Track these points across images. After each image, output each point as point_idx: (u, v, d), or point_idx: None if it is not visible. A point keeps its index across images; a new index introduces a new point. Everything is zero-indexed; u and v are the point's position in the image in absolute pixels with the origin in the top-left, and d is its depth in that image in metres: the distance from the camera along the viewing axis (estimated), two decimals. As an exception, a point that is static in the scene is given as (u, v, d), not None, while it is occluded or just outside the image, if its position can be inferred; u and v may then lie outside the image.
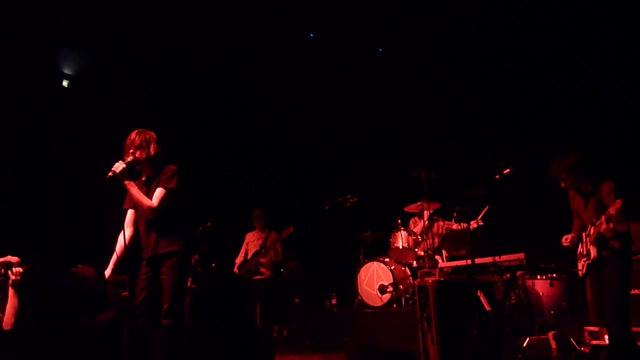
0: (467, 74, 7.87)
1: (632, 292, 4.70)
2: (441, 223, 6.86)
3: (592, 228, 4.09)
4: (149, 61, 7.95)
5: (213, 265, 7.05)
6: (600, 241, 4.06)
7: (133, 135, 3.75)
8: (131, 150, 3.69)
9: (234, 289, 7.16)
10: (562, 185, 4.30)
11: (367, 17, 7.87)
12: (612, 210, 3.84)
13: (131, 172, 3.70)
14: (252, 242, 7.16)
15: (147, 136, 3.76)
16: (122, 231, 3.79)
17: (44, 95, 7.40)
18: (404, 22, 7.83)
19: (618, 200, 3.83)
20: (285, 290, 7.35)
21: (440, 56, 7.90)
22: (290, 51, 8.36)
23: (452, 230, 6.60)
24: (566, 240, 4.35)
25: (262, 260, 6.87)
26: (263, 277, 6.88)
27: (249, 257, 7.05)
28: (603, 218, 3.93)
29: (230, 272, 7.19)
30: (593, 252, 4.12)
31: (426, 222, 6.63)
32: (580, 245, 4.29)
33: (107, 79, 7.79)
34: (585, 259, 4.21)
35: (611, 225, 3.89)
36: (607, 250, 4.07)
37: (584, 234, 4.23)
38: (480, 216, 6.12)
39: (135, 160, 3.70)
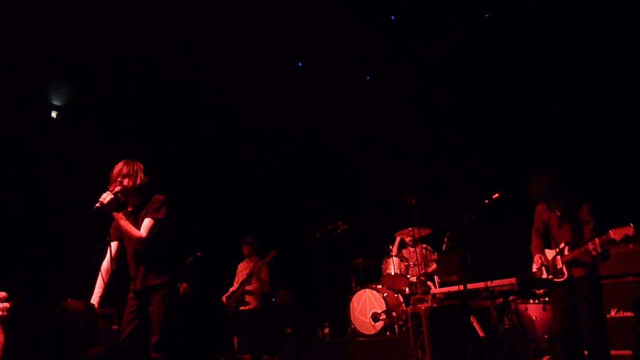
0: (456, 98, 7.97)
1: (619, 314, 4.73)
2: (430, 255, 6.86)
3: (567, 248, 4.06)
4: (138, 92, 7.99)
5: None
6: (574, 262, 4.03)
7: (120, 165, 3.74)
8: (119, 179, 3.67)
9: (204, 319, 7.09)
10: (543, 202, 4.30)
11: (355, 45, 8.00)
12: (615, 236, 3.77)
13: (117, 203, 3.66)
14: (241, 272, 7.08)
15: (135, 166, 3.76)
16: (108, 262, 3.70)
17: (33, 126, 7.39)
18: (391, 50, 7.96)
19: (629, 227, 3.74)
20: (277, 320, 7.25)
21: (428, 81, 8.01)
22: (279, 80, 8.44)
23: (437, 260, 6.61)
24: (541, 259, 4.25)
25: (248, 288, 6.78)
26: (249, 307, 6.77)
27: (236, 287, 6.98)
28: (597, 241, 3.82)
29: (206, 301, 7.11)
30: (566, 271, 4.08)
31: (411, 249, 6.66)
32: (543, 266, 4.21)
33: (95, 110, 7.81)
34: (554, 278, 4.15)
35: (597, 241, 3.85)
36: (578, 269, 4.02)
37: (549, 251, 4.19)
38: (444, 247, 6.10)
39: (123, 189, 3.67)
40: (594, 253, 3.89)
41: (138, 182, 3.71)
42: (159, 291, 3.60)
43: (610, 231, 3.80)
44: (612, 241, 3.81)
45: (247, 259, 7.12)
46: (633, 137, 6.45)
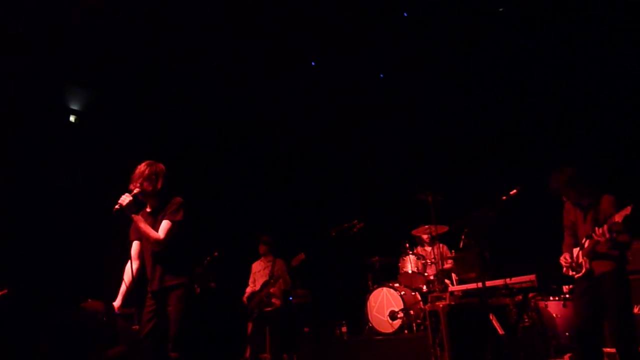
0: (472, 93, 7.90)
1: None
2: (447, 253, 6.82)
3: (588, 241, 3.99)
4: (155, 96, 8.06)
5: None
6: (594, 254, 3.96)
7: (143, 166, 3.77)
8: (140, 181, 3.71)
9: (223, 319, 7.10)
10: (564, 199, 4.26)
11: (369, 43, 7.97)
12: (618, 218, 3.75)
13: (135, 202, 3.70)
14: (258, 271, 7.08)
15: (157, 169, 3.78)
16: (129, 262, 3.78)
17: (51, 131, 7.50)
18: (406, 47, 7.91)
19: (628, 207, 3.73)
20: (295, 319, 7.25)
21: (444, 77, 7.95)
22: (294, 79, 8.45)
23: (455, 257, 6.56)
24: (566, 260, 4.18)
25: (272, 290, 6.78)
26: (274, 307, 6.77)
27: (256, 287, 6.97)
28: (605, 227, 3.83)
29: (224, 301, 7.13)
30: (585, 264, 4.01)
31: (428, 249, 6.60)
32: (570, 264, 4.14)
33: (113, 115, 7.90)
34: (575, 273, 4.09)
35: (614, 234, 3.81)
36: (602, 265, 3.94)
37: (575, 249, 4.11)
38: (462, 245, 6.07)
39: (142, 191, 3.72)
40: (602, 239, 3.84)
41: (159, 186, 3.75)
42: (175, 291, 3.63)
43: (615, 215, 3.78)
44: (616, 224, 3.78)
45: (263, 258, 7.13)
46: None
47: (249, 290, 7.05)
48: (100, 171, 7.36)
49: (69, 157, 7.61)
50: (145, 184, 3.71)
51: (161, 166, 3.82)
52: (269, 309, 6.72)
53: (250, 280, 7.15)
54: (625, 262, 3.99)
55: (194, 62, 7.95)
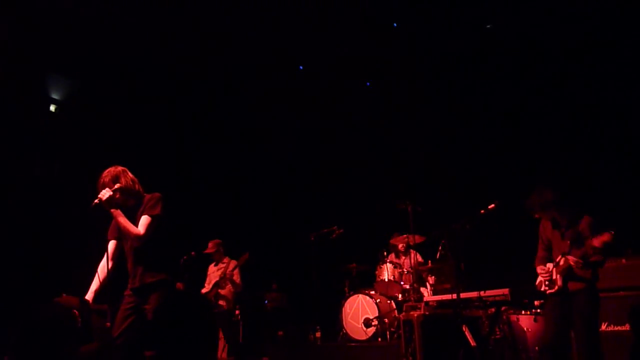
0: (454, 106, 8.01)
1: (610, 328, 4.76)
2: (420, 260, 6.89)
3: (563, 259, 4.08)
4: (136, 89, 7.97)
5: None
6: (569, 272, 4.05)
7: (102, 177, 3.69)
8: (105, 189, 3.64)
9: (196, 318, 7.02)
10: (536, 216, 4.35)
11: (356, 50, 8.03)
12: (596, 243, 3.82)
13: (115, 201, 3.64)
14: (212, 273, 7.05)
15: (114, 172, 3.71)
16: (104, 259, 3.72)
17: (31, 119, 7.35)
18: (393, 56, 7.99)
19: (608, 233, 3.79)
20: (269, 322, 7.24)
21: (426, 88, 8.04)
22: (277, 82, 8.46)
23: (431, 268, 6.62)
24: (543, 270, 4.25)
25: (221, 291, 6.75)
26: (222, 309, 6.73)
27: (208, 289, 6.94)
28: (580, 252, 3.93)
29: (198, 301, 7.07)
30: (559, 282, 4.09)
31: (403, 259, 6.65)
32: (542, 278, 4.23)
33: (94, 105, 7.78)
34: (548, 289, 4.18)
35: (588, 258, 3.91)
36: (575, 282, 4.04)
37: (550, 264, 4.20)
38: (438, 256, 6.16)
39: (120, 188, 3.66)
40: (579, 264, 3.93)
41: (124, 184, 3.65)
42: (156, 289, 3.60)
43: (593, 239, 3.84)
44: (594, 249, 3.84)
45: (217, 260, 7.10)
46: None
47: (203, 291, 7.02)
48: (78, 162, 7.24)
49: (47, 147, 7.47)
50: (116, 185, 3.64)
51: (118, 168, 3.75)
52: (217, 310, 6.70)
53: (206, 281, 7.11)
54: (596, 280, 4.09)
55: (177, 57, 7.88)
